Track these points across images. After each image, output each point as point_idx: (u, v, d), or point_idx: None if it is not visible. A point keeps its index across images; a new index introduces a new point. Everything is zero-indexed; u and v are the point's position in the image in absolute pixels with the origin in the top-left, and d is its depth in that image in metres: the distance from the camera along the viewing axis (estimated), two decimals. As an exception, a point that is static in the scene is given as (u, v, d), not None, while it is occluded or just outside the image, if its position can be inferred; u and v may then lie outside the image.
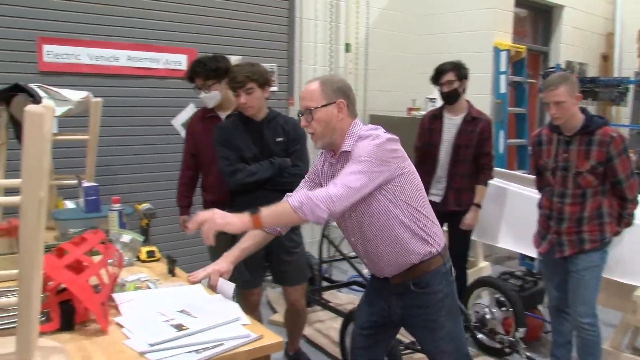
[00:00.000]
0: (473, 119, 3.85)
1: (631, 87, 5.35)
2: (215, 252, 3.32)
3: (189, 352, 1.67)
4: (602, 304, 3.80)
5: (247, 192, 3.00)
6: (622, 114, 6.72)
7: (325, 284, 4.27)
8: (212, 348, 1.70)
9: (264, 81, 2.95)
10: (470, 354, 2.44)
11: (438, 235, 2.24)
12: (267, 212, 2.02)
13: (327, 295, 4.42)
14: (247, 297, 3.14)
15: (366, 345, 2.50)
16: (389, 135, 2.12)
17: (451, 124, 3.92)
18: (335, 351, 3.60)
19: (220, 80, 3.23)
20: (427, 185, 3.95)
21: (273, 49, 4.98)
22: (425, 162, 3.98)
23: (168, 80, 4.40)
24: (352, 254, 4.18)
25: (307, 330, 3.88)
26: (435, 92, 5.66)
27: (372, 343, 2.49)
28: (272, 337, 1.81)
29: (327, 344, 3.80)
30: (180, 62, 4.44)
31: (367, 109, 5.81)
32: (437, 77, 3.88)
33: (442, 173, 3.93)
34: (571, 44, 7.10)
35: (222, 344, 1.73)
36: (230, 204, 3.01)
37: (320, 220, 1.98)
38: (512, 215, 4.23)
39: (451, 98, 3.87)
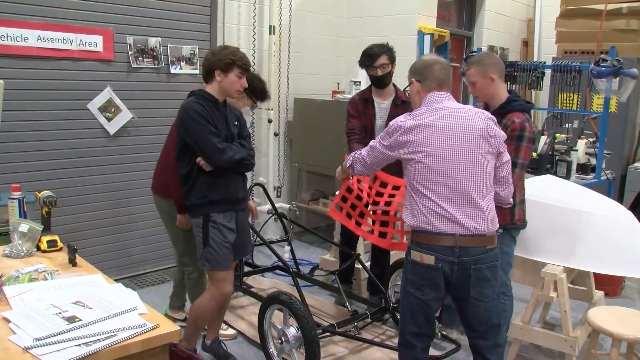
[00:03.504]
0: (403, 103, 3.83)
1: (547, 72, 5.52)
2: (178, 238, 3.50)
3: (78, 345, 1.61)
4: (519, 280, 3.96)
5: (224, 172, 2.95)
6: (540, 98, 6.95)
7: (247, 269, 4.25)
8: (104, 339, 1.64)
9: None
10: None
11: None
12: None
13: (250, 280, 4.40)
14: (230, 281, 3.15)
15: None
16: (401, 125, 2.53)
17: (379, 108, 3.89)
18: (255, 335, 3.58)
19: None
20: None
21: (194, 31, 4.86)
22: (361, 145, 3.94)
23: (82, 62, 4.21)
24: (274, 238, 4.19)
25: (228, 316, 3.85)
26: (360, 75, 5.70)
27: None
28: (169, 326, 1.77)
29: (246, 328, 3.79)
30: (95, 43, 4.26)
31: (291, 92, 5.77)
32: (370, 60, 3.78)
33: None
34: (494, 29, 7.28)
35: (114, 335, 1.67)
36: (207, 188, 2.95)
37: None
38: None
39: (385, 81, 3.82)
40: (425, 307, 2.50)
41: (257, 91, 3.50)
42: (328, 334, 3.31)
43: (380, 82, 3.83)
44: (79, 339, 1.63)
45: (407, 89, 2.65)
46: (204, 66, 2.97)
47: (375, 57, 3.77)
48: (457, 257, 2.38)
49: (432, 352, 3.43)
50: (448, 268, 2.40)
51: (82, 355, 1.56)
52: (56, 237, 2.53)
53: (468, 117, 2.47)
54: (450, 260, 2.39)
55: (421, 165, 2.43)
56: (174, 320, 3.84)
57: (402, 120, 2.53)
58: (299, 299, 3.25)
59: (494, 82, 3.00)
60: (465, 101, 7.12)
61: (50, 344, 1.60)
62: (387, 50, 3.80)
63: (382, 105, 3.89)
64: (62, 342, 1.61)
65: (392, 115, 3.78)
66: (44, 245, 2.49)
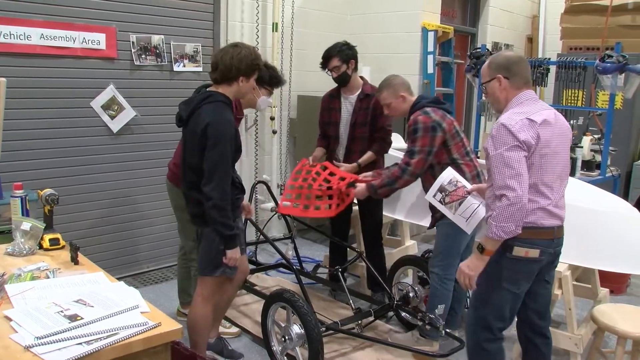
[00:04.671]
0: (366, 96, 3.91)
1: (552, 68, 5.48)
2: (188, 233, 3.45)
3: (79, 343, 1.60)
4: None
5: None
6: (545, 95, 6.91)
7: (251, 267, 4.23)
8: (105, 338, 1.64)
9: None
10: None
11: None
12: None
13: (254, 278, 4.40)
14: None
15: None
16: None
17: (347, 102, 4.00)
18: (259, 332, 3.57)
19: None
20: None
21: (198, 28, 4.84)
22: (326, 139, 4.13)
23: (85, 60, 4.20)
24: (277, 235, 4.18)
25: (232, 314, 3.85)
26: (363, 72, 5.69)
27: None
28: (171, 324, 1.76)
29: (250, 325, 3.78)
30: (98, 41, 4.25)
31: (294, 89, 5.76)
32: (322, 64, 3.93)
33: (343, 150, 4.04)
34: (498, 26, 7.25)
35: (116, 333, 1.67)
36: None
37: None
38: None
39: (342, 81, 3.93)
40: (518, 300, 2.59)
41: (266, 78, 3.42)
42: (331, 331, 3.31)
43: (337, 82, 3.97)
44: (80, 337, 1.63)
45: (485, 84, 2.59)
46: (226, 69, 2.73)
47: (325, 61, 3.92)
48: (555, 247, 2.52)
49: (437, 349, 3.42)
50: (547, 259, 2.52)
51: (84, 354, 1.56)
52: (58, 235, 2.53)
53: (562, 116, 2.56)
54: (550, 252, 2.51)
55: (540, 163, 2.42)
56: (186, 316, 3.85)
57: (522, 118, 2.39)
58: (302, 296, 3.24)
59: (405, 99, 3.41)
60: (469, 98, 7.11)
61: (51, 343, 1.59)
62: (337, 53, 3.87)
63: (349, 98, 3.99)
64: (63, 340, 1.61)
65: (357, 109, 3.94)
66: (46, 244, 2.49)
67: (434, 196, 2.98)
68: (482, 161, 4.17)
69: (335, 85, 4.06)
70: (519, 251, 2.45)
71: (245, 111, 5.36)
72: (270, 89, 3.50)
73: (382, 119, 3.88)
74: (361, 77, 4.02)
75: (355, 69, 3.94)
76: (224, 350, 3.40)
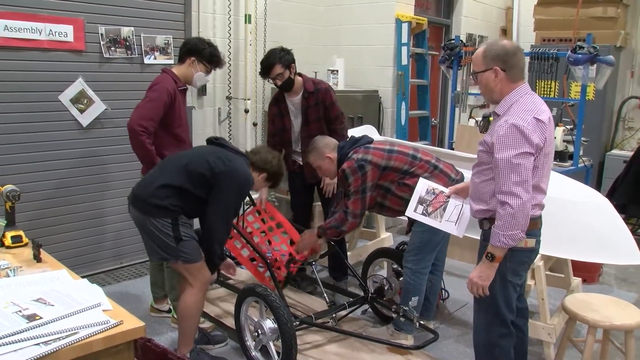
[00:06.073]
0: (310, 94, 3.88)
1: (525, 59, 5.49)
2: None
3: (37, 344, 1.55)
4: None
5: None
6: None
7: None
8: (64, 338, 1.59)
9: None
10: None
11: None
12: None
13: (228, 272, 4.35)
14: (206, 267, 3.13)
15: None
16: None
17: (292, 105, 3.97)
18: (231, 322, 3.53)
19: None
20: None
21: (169, 20, 4.75)
22: (280, 145, 4.07)
23: (52, 52, 4.10)
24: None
25: (206, 307, 3.81)
26: (337, 64, 5.67)
27: None
28: (134, 322, 1.72)
29: (223, 315, 3.76)
30: (66, 33, 4.14)
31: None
32: (265, 73, 3.85)
33: (299, 149, 4.04)
34: (472, 17, 7.26)
35: (76, 333, 1.62)
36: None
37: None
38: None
39: (287, 87, 3.87)
40: (518, 289, 2.64)
41: (206, 56, 3.47)
42: (305, 325, 3.28)
43: (282, 88, 3.91)
44: (38, 337, 1.58)
45: (479, 74, 2.49)
46: (266, 161, 3.15)
47: (268, 69, 3.82)
48: (541, 234, 2.58)
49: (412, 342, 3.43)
50: (538, 246, 2.58)
51: (41, 355, 1.51)
52: (21, 233, 2.46)
53: None
54: (539, 240, 2.57)
55: (543, 162, 2.42)
56: (160, 312, 3.81)
57: (532, 118, 2.34)
58: (276, 290, 3.21)
59: (332, 160, 3.40)
60: (444, 89, 7.12)
61: (7, 344, 1.54)
62: (278, 59, 3.79)
63: (294, 100, 3.95)
64: (20, 341, 1.55)
65: (303, 109, 3.92)
66: (8, 241, 2.42)
67: (415, 210, 2.97)
68: (458, 153, 4.21)
69: (276, 91, 4.01)
70: (519, 243, 2.44)
71: (219, 104, 5.35)
72: (209, 66, 3.51)
73: (334, 108, 3.89)
74: (299, 75, 3.94)
75: (295, 72, 3.88)
76: (209, 339, 3.44)
